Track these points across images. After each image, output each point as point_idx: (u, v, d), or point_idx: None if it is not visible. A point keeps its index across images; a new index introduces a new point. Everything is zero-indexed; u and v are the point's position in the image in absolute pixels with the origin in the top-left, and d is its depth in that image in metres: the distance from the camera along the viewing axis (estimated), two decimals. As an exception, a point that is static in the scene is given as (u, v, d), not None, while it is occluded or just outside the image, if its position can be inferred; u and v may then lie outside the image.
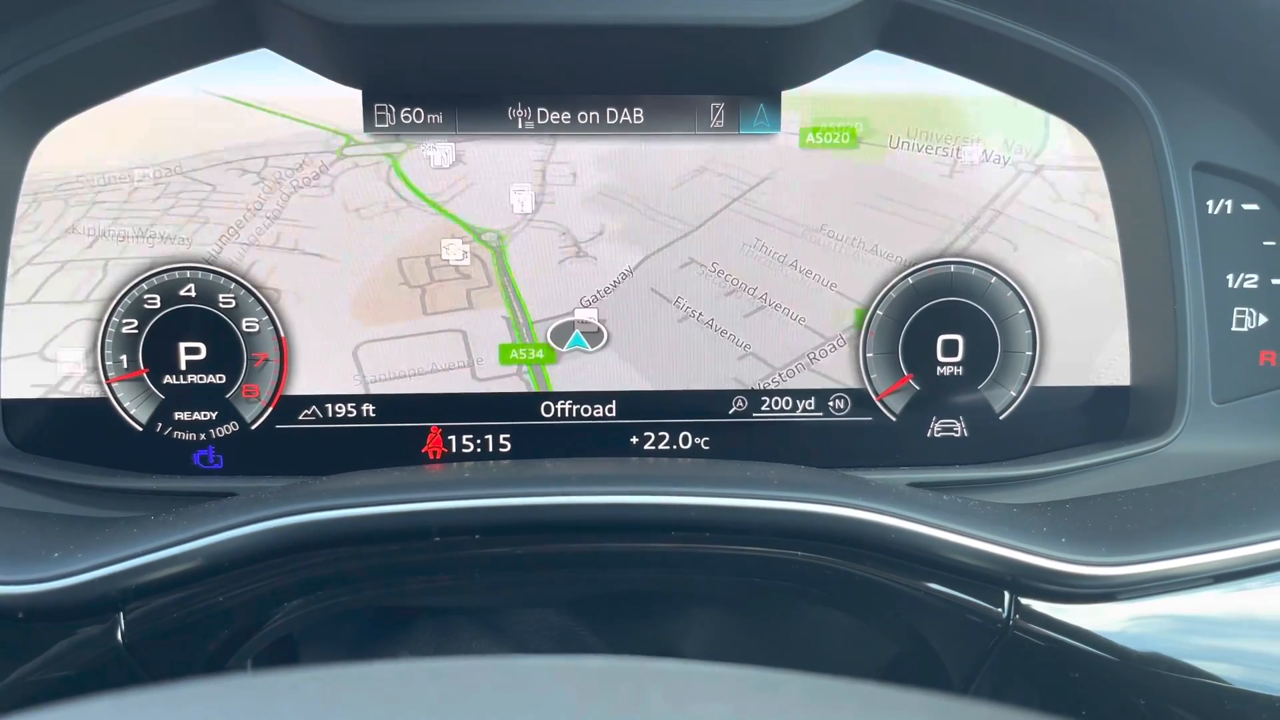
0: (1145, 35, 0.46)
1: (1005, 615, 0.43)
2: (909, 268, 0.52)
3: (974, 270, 0.52)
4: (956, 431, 0.53)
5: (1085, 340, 0.53)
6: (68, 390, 0.51)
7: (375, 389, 0.51)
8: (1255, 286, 0.49)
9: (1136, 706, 0.39)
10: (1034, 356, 0.53)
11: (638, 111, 0.50)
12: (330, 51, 0.48)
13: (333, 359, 0.51)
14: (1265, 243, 0.49)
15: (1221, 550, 0.43)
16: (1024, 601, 0.42)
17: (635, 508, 0.42)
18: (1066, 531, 0.43)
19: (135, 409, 0.51)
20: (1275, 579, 0.43)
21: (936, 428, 0.53)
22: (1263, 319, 0.49)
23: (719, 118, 0.51)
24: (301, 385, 0.51)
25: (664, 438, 0.52)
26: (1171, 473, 0.50)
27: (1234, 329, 0.49)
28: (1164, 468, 0.50)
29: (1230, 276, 0.49)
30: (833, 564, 0.42)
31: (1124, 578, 0.42)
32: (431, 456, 0.51)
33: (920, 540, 0.42)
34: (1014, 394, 0.53)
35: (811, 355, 0.52)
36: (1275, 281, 0.49)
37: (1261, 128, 0.47)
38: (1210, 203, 0.49)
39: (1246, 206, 0.49)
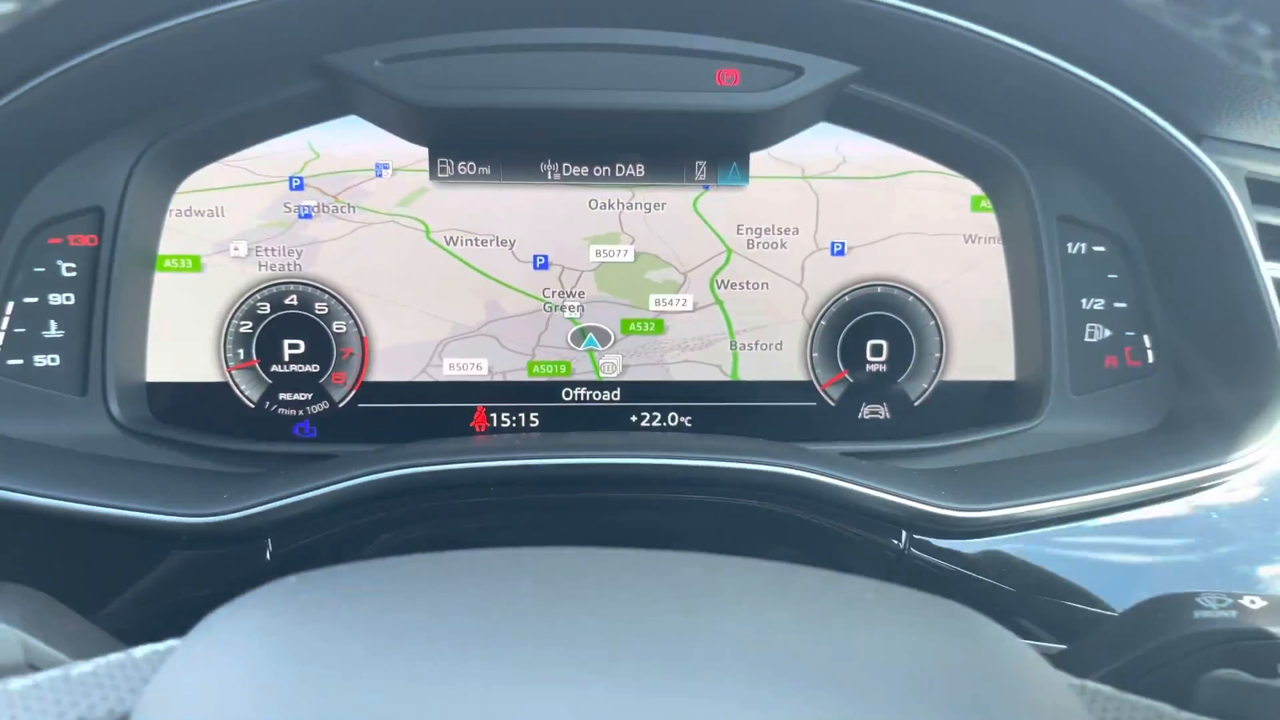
0: (1021, 119, 0.61)
1: (901, 547, 0.59)
2: (846, 288, 0.67)
3: (896, 291, 0.67)
4: (881, 414, 0.67)
5: (981, 345, 0.67)
6: (198, 375, 0.65)
7: (436, 376, 0.66)
8: (1102, 308, 0.64)
9: (995, 615, 0.55)
10: (941, 357, 0.67)
11: (639, 167, 0.65)
12: (405, 121, 0.62)
13: (405, 354, 0.65)
14: (1109, 276, 0.63)
15: (1064, 500, 0.58)
16: (916, 537, 0.58)
17: (636, 466, 0.57)
18: (950, 487, 0.58)
19: (248, 390, 0.65)
20: (1103, 523, 0.58)
21: (865, 411, 0.67)
22: (1107, 332, 0.64)
23: (702, 172, 0.66)
24: (378, 374, 0.66)
25: (657, 416, 0.67)
26: (1039, 447, 0.64)
27: (1086, 339, 0.64)
28: (1034, 443, 0.63)
29: (1084, 300, 0.63)
30: (782, 509, 0.57)
31: (990, 519, 0.57)
32: (478, 430, 0.66)
33: (843, 492, 0.57)
34: (926, 386, 0.67)
35: (771, 355, 0.67)
36: (1116, 305, 0.64)
37: (1105, 189, 0.62)
38: (1070, 245, 0.63)
39: (1096, 249, 0.63)
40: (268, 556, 0.54)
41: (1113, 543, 0.57)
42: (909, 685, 0.28)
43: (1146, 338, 0.64)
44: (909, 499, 0.55)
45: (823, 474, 0.54)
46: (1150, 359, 0.64)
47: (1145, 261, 0.62)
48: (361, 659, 0.28)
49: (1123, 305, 0.64)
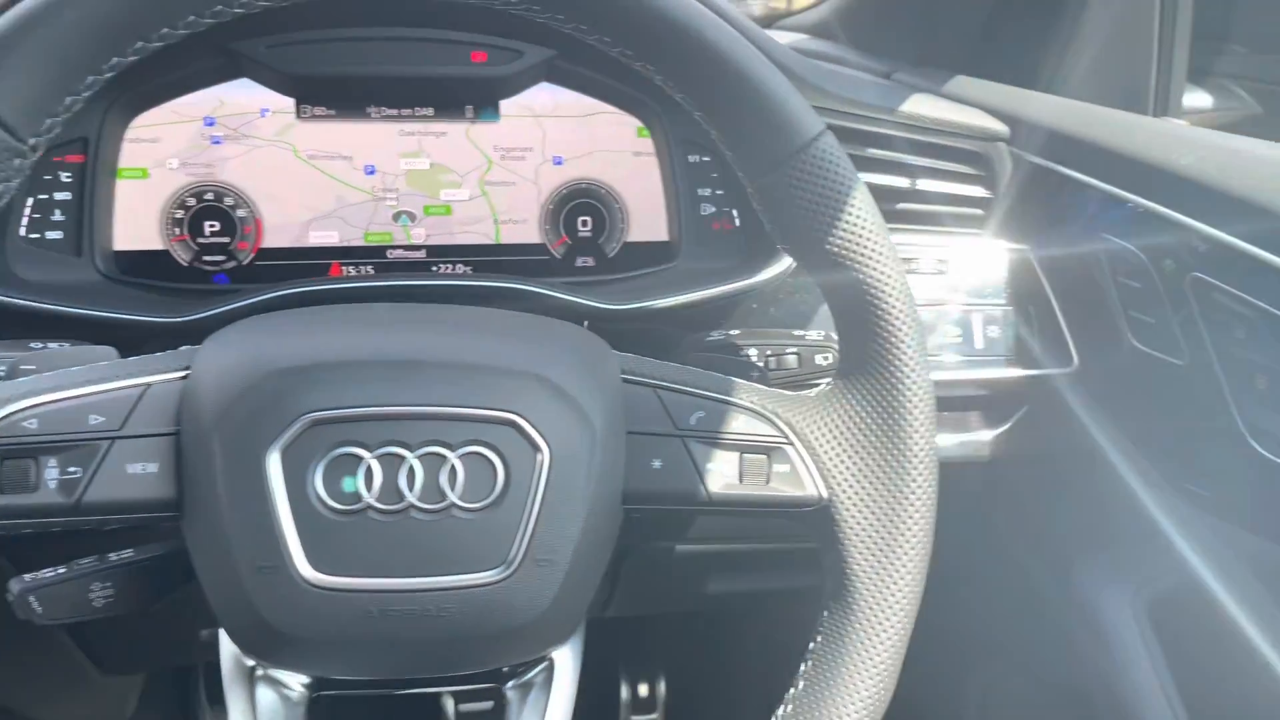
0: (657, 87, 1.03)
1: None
2: (565, 185, 1.04)
3: (594, 186, 1.04)
4: (590, 263, 1.01)
5: (649, 219, 1.03)
6: (149, 245, 0.98)
7: (305, 243, 1.03)
8: (708, 195, 1.06)
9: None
10: (624, 227, 1.02)
11: (430, 110, 1.02)
12: (279, 83, 0.98)
13: (284, 230, 1.02)
14: (713, 175, 1.07)
15: (681, 296, 1.01)
16: (589, 325, 1.00)
17: (427, 288, 0.96)
18: (616, 294, 1.00)
19: (182, 255, 0.97)
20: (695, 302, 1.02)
21: (580, 261, 1.02)
22: (713, 208, 1.07)
23: (470, 113, 1.05)
24: (268, 243, 1.01)
25: (448, 266, 1.02)
26: (679, 277, 1.07)
27: (702, 213, 1.07)
28: (677, 275, 1.04)
29: (699, 189, 1.05)
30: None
31: (634, 310, 1.00)
32: (333, 275, 1.04)
33: (538, 295, 0.89)
34: (616, 244, 1.01)
35: (519, 226, 1.07)
36: (717, 192, 1.06)
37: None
38: (690, 157, 1.06)
39: (705, 159, 1.06)
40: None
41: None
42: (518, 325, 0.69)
43: (734, 211, 1.03)
44: (583, 300, 0.96)
45: (524, 285, 0.94)
46: (737, 223, 1.06)
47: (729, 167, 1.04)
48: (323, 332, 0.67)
49: (721, 192, 1.02)
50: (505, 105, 1.01)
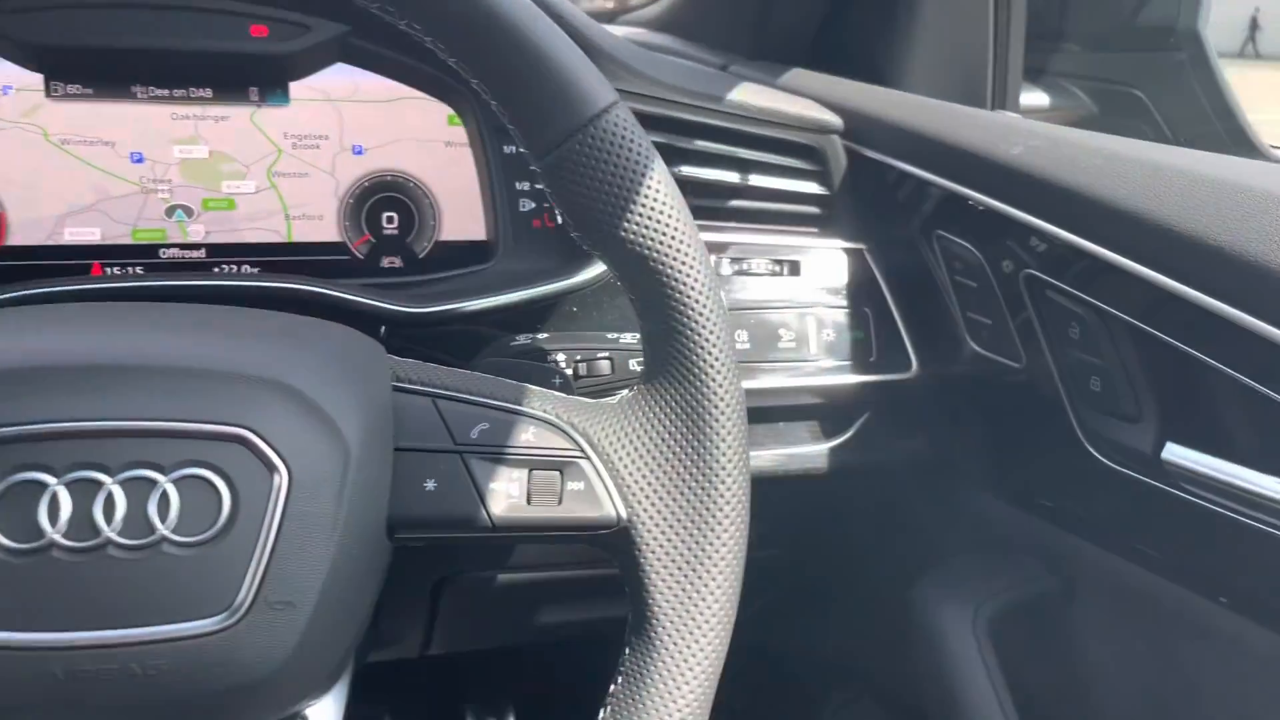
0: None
1: (380, 339, 0.89)
2: (366, 177, 0.95)
3: (401, 179, 0.95)
4: (397, 264, 0.94)
5: (463, 216, 0.96)
6: None
7: (59, 241, 0.90)
8: (528, 190, 0.98)
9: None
10: (435, 224, 0.97)
11: (208, 91, 0.92)
12: (25, 56, 0.85)
13: (34, 226, 0.89)
14: (531, 168, 0.99)
15: (488, 299, 0.92)
16: (388, 330, 0.88)
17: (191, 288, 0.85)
18: (419, 296, 0.91)
19: None
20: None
21: (385, 262, 0.93)
22: (532, 204, 1.00)
23: (255, 95, 0.94)
24: (14, 240, 0.88)
25: (232, 267, 0.94)
26: (497, 279, 0.98)
27: (520, 210, 0.99)
28: (494, 277, 0.94)
29: (517, 184, 0.97)
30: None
31: (436, 313, 0.88)
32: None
33: (329, 298, 0.81)
34: (427, 244, 0.93)
35: (314, 223, 0.95)
36: (536, 186, 0.99)
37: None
38: (504, 148, 0.98)
39: (521, 151, 0.99)
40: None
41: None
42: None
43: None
44: (382, 303, 0.87)
45: (314, 287, 0.84)
46: (560, 220, 0.98)
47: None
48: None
49: (541, 186, 0.97)
50: (295, 88, 0.91)
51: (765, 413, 0.89)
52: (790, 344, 0.88)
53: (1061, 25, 1.25)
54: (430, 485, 0.55)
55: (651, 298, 0.59)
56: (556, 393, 0.63)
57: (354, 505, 0.52)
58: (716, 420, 0.60)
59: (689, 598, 0.60)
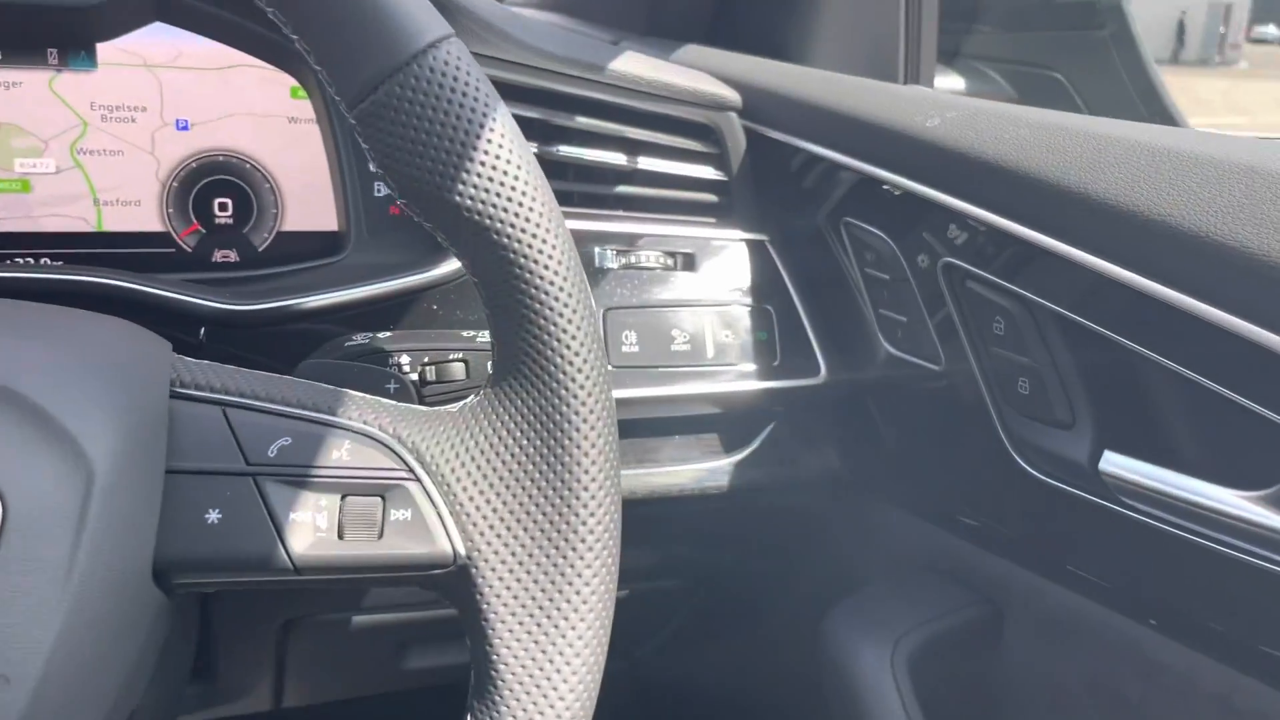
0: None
1: (200, 341, 0.74)
2: (193, 157, 0.82)
3: (235, 160, 0.83)
4: (232, 257, 0.83)
5: (310, 203, 0.84)
6: None
7: None
8: None
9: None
10: (278, 213, 0.85)
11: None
12: None
13: None
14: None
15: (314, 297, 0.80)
16: (210, 331, 0.73)
17: None
18: (244, 293, 0.78)
19: None
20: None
21: (218, 255, 0.83)
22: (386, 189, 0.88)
23: (54, 58, 0.80)
24: None
25: (30, 261, 0.80)
26: (350, 274, 0.81)
27: (375, 195, 0.86)
28: (345, 272, 0.81)
29: (371, 165, 0.86)
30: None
31: (257, 312, 0.73)
32: None
33: (138, 293, 0.72)
34: (267, 235, 0.84)
35: (131, 210, 0.81)
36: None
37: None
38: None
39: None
40: None
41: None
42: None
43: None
44: (203, 300, 0.73)
45: (121, 282, 0.71)
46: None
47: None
48: None
49: None
50: (104, 50, 0.78)
51: (657, 425, 0.82)
52: (684, 347, 0.80)
53: (975, 6, 1.18)
54: (213, 517, 0.47)
55: (495, 278, 0.48)
56: (382, 400, 0.51)
57: (100, 545, 0.40)
58: (578, 430, 0.49)
59: (543, 652, 0.48)
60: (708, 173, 0.85)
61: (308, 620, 0.87)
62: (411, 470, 0.48)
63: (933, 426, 0.78)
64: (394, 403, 0.52)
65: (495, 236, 0.48)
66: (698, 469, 0.82)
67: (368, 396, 0.51)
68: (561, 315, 0.49)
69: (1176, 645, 0.65)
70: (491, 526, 0.48)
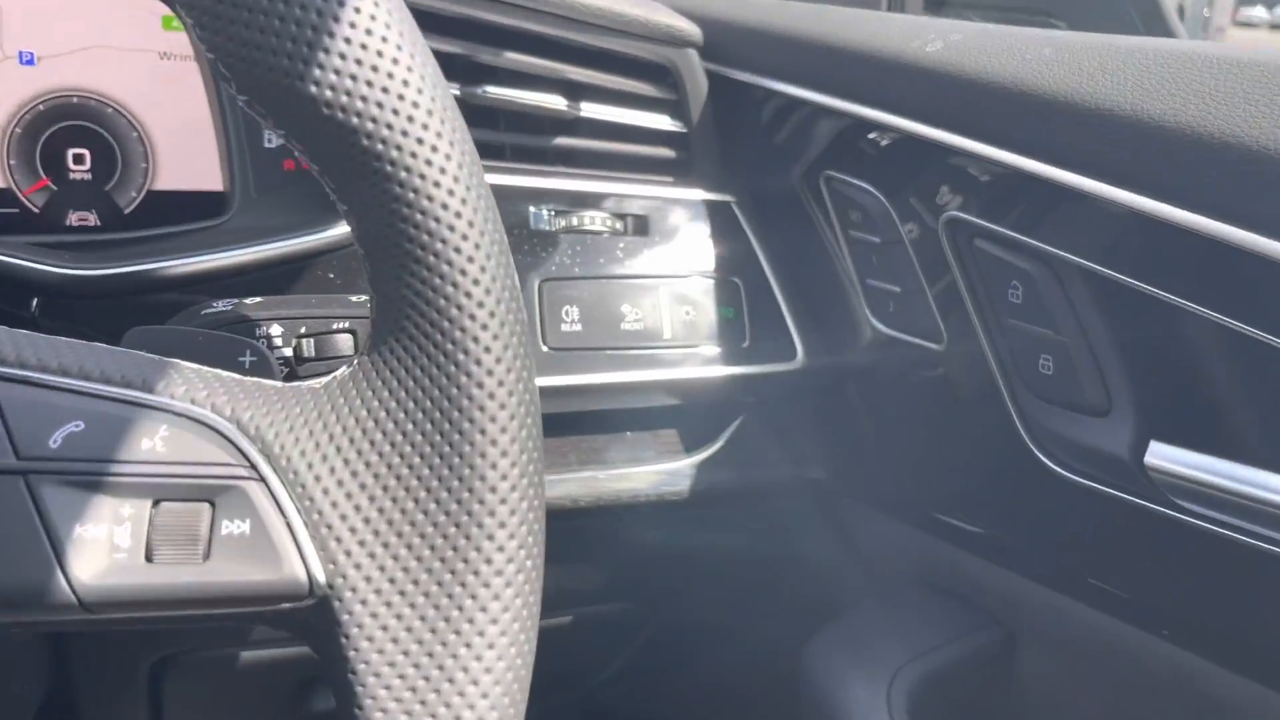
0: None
1: (31, 314, 0.60)
2: (41, 98, 0.68)
3: (94, 102, 0.70)
4: (91, 221, 0.69)
5: (188, 157, 0.71)
6: None
7: None
8: None
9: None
10: (149, 168, 0.72)
11: None
12: None
13: None
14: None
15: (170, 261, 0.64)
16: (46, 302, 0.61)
17: None
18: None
19: None
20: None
21: (74, 218, 0.69)
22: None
23: None
24: None
25: None
26: (231, 237, 0.68)
27: (265, 145, 0.72)
28: (228, 235, 0.69)
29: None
30: None
31: (103, 278, 0.61)
32: None
33: None
34: (135, 195, 0.70)
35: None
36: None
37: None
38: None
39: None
40: None
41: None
42: None
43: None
44: (37, 263, 0.59)
45: None
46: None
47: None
48: None
49: None
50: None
51: (604, 419, 0.71)
52: (636, 325, 0.69)
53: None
54: (-41, 533, 0.31)
55: (367, 198, 0.35)
56: (220, 372, 0.38)
57: None
58: (482, 408, 0.36)
59: (432, 716, 0.34)
60: (663, 122, 0.74)
61: (182, 658, 0.72)
62: (253, 466, 0.36)
63: (931, 418, 0.68)
64: (235, 376, 0.38)
65: (366, 141, 0.35)
66: (653, 471, 0.71)
67: (200, 368, 0.38)
68: (460, 251, 0.36)
69: (1238, 680, 0.55)
70: (363, 543, 0.35)
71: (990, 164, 0.57)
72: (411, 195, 0.36)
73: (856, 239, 0.68)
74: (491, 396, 0.36)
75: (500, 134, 0.70)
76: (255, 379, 0.39)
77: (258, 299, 0.54)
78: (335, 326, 0.52)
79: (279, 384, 0.39)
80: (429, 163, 0.36)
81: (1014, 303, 0.58)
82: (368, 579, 0.36)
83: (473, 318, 0.36)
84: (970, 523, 0.67)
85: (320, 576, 0.36)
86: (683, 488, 0.71)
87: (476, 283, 0.36)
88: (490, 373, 0.36)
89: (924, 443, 0.69)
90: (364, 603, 0.36)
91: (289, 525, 0.36)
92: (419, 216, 0.36)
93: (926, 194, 0.61)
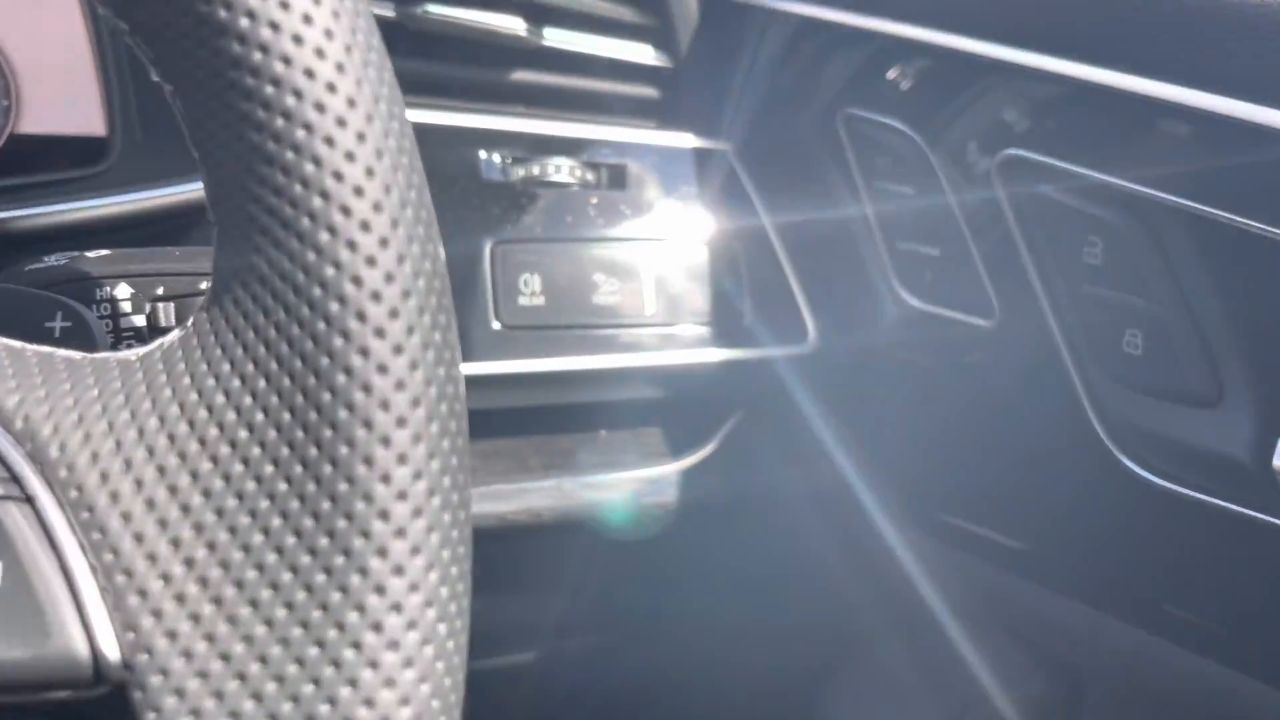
0: None
1: None
2: None
3: None
4: None
5: (63, 96, 0.62)
6: None
7: None
8: None
9: None
10: (11, 106, 0.61)
11: None
12: None
13: None
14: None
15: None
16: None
17: None
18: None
19: None
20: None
21: None
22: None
23: None
24: None
25: None
26: (103, 184, 0.60)
27: (155, 80, 0.64)
28: (102, 182, 0.60)
29: None
30: None
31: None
32: None
33: None
34: None
35: None
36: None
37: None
38: None
39: None
40: None
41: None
42: None
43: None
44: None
45: None
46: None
47: None
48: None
49: None
50: None
51: (573, 414, 0.66)
52: (612, 298, 0.64)
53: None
54: None
55: (192, 54, 0.26)
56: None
57: None
58: (367, 385, 0.27)
59: None
60: (645, 53, 0.67)
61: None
62: (15, 478, 0.25)
63: (975, 412, 0.61)
64: (11, 344, 0.27)
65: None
66: (632, 478, 0.67)
67: None
68: (333, 143, 0.25)
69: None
70: (181, 599, 0.26)
71: (1062, 82, 0.49)
72: (258, 56, 0.24)
73: (884, 191, 0.61)
74: (382, 370, 0.24)
75: (447, 65, 0.63)
76: (42, 349, 0.27)
77: (105, 251, 0.43)
78: (202, 286, 0.41)
79: (74, 356, 0.27)
80: (298, 39, 0.24)
81: (1091, 264, 0.51)
82: (187, 656, 0.24)
83: (352, 245, 0.24)
84: (1023, 540, 0.61)
85: (112, 652, 0.24)
86: (668, 498, 0.67)
87: (359, 192, 0.24)
88: (381, 332, 0.24)
89: (965, 443, 0.63)
90: (179, 694, 0.23)
91: (65, 571, 0.24)
92: (268, 89, 0.24)
93: (977, 129, 0.55)
